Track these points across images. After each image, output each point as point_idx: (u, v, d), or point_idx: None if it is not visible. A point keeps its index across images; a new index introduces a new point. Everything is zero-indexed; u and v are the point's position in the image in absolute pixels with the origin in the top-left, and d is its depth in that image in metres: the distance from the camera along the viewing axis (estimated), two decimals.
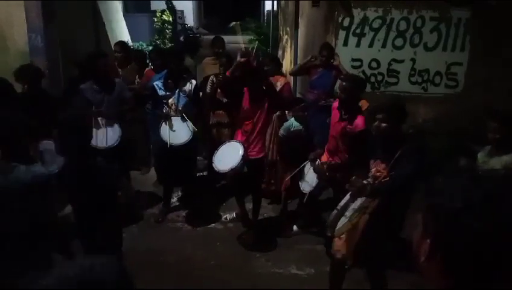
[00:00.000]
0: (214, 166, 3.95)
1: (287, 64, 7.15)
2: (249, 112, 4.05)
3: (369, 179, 2.93)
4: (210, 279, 3.54)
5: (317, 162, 3.77)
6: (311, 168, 3.84)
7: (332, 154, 3.81)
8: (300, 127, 4.33)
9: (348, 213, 2.96)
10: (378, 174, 2.93)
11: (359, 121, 3.58)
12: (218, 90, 4.60)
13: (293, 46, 6.56)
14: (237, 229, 4.37)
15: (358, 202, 2.96)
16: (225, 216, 4.55)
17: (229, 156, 3.91)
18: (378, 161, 3.03)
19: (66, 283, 0.83)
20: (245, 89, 4.11)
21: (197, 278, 3.56)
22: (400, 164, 2.85)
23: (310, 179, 3.83)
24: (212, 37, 5.93)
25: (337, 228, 2.94)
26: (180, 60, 4.49)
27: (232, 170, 3.83)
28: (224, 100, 4.67)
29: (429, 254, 0.95)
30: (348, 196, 2.99)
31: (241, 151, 3.85)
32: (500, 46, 5.38)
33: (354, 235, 2.93)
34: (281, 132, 4.45)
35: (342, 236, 2.97)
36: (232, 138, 4.40)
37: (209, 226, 4.44)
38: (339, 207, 2.98)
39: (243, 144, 3.94)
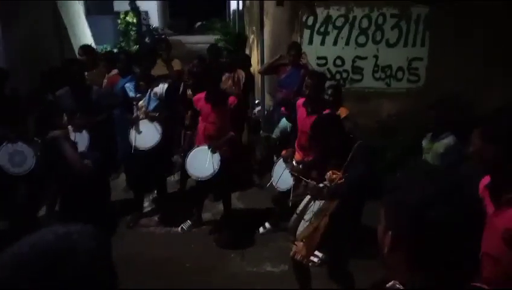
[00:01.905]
0: (189, 173, 3.97)
1: (254, 64, 7.19)
2: (210, 114, 4.09)
3: (325, 182, 3.01)
4: (186, 281, 3.54)
5: (293, 163, 3.82)
6: (287, 168, 3.89)
7: (304, 151, 3.88)
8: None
9: (307, 216, 3.04)
10: (334, 176, 3.01)
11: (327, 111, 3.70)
12: (189, 91, 4.63)
13: (259, 46, 6.60)
14: (206, 232, 4.38)
15: (317, 205, 3.04)
16: (181, 226, 4.43)
17: (202, 161, 3.94)
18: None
19: (39, 251, 0.79)
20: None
21: (173, 280, 3.55)
22: (353, 165, 2.96)
23: (285, 178, 3.89)
24: (177, 37, 5.93)
25: (298, 231, 3.01)
26: (151, 62, 4.47)
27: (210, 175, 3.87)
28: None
29: (391, 246, 1.01)
30: (306, 200, 3.06)
31: (218, 158, 3.92)
32: (458, 41, 5.60)
33: (314, 237, 2.99)
34: (276, 133, 4.49)
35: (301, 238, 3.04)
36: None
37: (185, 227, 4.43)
38: (298, 211, 3.05)
39: (214, 147, 3.99)
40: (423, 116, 3.84)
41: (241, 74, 5.17)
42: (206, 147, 4.03)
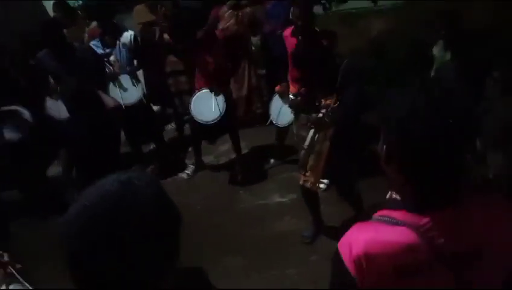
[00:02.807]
0: (196, 119, 3.94)
1: None
2: (202, 56, 3.99)
3: (322, 111, 3.01)
4: (199, 224, 3.65)
5: (290, 97, 3.80)
6: (285, 103, 3.87)
7: (298, 82, 3.84)
8: None
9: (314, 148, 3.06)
10: (328, 102, 3.01)
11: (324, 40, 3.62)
12: (166, 35, 4.47)
13: None
14: (214, 174, 4.45)
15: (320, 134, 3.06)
16: (185, 172, 4.46)
17: (206, 105, 3.90)
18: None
19: (108, 197, 0.80)
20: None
21: (186, 225, 3.64)
22: (345, 84, 2.95)
23: (284, 113, 3.88)
24: None
25: (308, 165, 3.06)
26: (112, 11, 4.27)
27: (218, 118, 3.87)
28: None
29: (385, 159, 1.06)
30: (310, 133, 3.07)
31: (222, 100, 3.88)
32: None
33: (319, 163, 3.04)
34: None
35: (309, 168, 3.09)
36: (190, 84, 4.39)
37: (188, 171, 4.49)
38: (305, 146, 3.07)
39: (216, 90, 3.92)
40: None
41: (248, 12, 4.91)
42: (208, 90, 3.97)
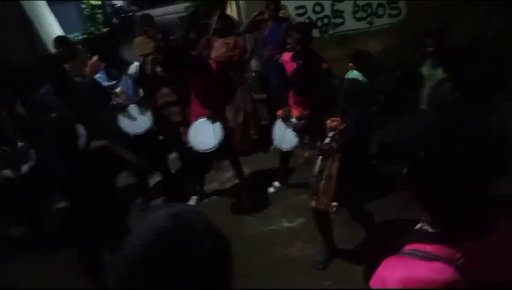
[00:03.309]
0: (195, 148, 3.94)
1: None
2: (198, 85, 4.02)
3: (329, 135, 3.00)
4: None
5: (293, 120, 3.80)
6: (289, 127, 3.87)
7: (300, 106, 3.85)
8: None
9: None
10: (334, 124, 3.01)
11: (323, 63, 3.67)
12: (159, 68, 4.52)
13: (234, 5, 6.42)
14: (219, 202, 4.41)
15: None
16: (190, 203, 4.35)
17: (205, 133, 3.90)
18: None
19: (165, 234, 0.80)
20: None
21: None
22: (348, 104, 2.94)
23: (288, 137, 3.87)
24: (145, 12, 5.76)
25: (319, 191, 3.03)
26: (116, 45, 4.34)
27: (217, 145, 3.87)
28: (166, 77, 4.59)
29: (405, 185, 1.06)
30: (319, 161, 3.06)
31: (219, 127, 3.89)
32: None
33: (330, 184, 3.01)
34: None
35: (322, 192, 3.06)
36: (183, 115, 4.47)
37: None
38: (315, 173, 3.05)
39: (213, 118, 3.94)
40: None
41: (236, 40, 4.98)
42: (205, 119, 3.97)
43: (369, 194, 3.46)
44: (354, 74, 3.72)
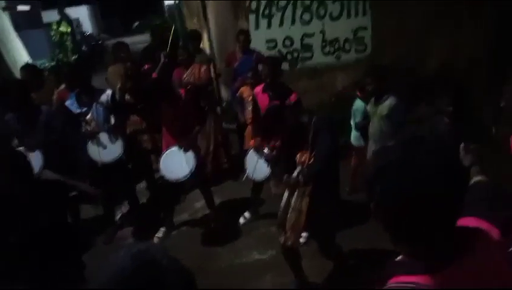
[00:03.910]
0: (166, 177, 3.89)
1: None
2: (168, 113, 4.03)
3: (298, 168, 3.05)
4: None
5: (265, 151, 3.83)
6: (260, 158, 3.89)
7: (272, 137, 3.89)
8: None
9: (291, 207, 3.06)
10: (303, 159, 3.05)
11: (293, 95, 3.73)
12: (127, 96, 4.50)
13: (205, 37, 6.53)
14: (190, 233, 4.33)
15: (296, 193, 3.06)
16: (155, 236, 4.26)
17: (176, 162, 3.87)
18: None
19: (120, 275, 0.78)
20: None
21: None
22: (318, 140, 3.01)
23: (260, 168, 3.90)
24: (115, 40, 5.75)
25: (287, 225, 3.03)
26: (88, 71, 4.30)
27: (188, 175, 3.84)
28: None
29: (373, 217, 1.05)
30: (286, 194, 3.08)
31: (191, 156, 3.87)
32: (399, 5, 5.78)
33: (300, 221, 3.02)
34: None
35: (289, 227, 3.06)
36: (153, 142, 4.47)
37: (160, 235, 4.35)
38: (281, 207, 3.07)
39: (185, 147, 3.92)
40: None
41: (203, 66, 5.05)
42: (177, 148, 3.95)
43: (340, 223, 3.48)
44: (359, 102, 4.03)
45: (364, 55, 6.10)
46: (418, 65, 5.66)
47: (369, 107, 3.97)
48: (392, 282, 1.04)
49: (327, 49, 6.03)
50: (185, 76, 4.96)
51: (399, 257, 1.10)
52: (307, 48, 5.97)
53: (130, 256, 0.80)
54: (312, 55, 6.01)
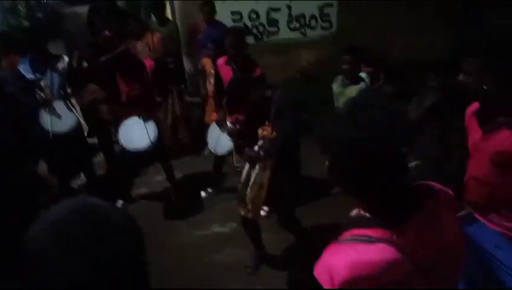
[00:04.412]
0: (125, 147, 3.76)
1: None
2: (130, 83, 3.89)
3: (259, 143, 3.03)
4: None
5: (227, 125, 3.78)
6: (222, 131, 3.84)
7: (235, 111, 3.85)
8: None
9: (251, 180, 3.05)
10: (264, 133, 3.04)
11: (257, 69, 3.68)
12: (85, 63, 4.31)
13: (170, 7, 6.30)
14: (149, 207, 4.26)
15: (258, 166, 3.06)
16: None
17: (136, 132, 3.75)
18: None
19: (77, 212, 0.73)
20: None
21: None
22: (279, 115, 3.00)
23: (222, 142, 3.84)
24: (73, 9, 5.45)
25: (247, 197, 3.02)
26: (43, 37, 4.08)
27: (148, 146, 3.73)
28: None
29: (329, 176, 1.13)
30: (246, 167, 3.07)
31: (153, 126, 3.77)
32: None
33: (260, 194, 3.02)
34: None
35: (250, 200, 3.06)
36: (112, 113, 4.27)
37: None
38: (242, 180, 3.06)
39: (146, 116, 3.81)
40: (338, 61, 3.93)
41: (158, 36, 4.89)
42: (138, 118, 3.82)
43: (300, 198, 3.53)
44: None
45: (330, 33, 6.10)
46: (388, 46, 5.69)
47: (335, 87, 3.94)
48: (347, 235, 1.06)
49: (293, 24, 5.97)
50: (139, 48, 4.79)
51: (354, 212, 1.12)
52: (273, 22, 5.88)
53: (71, 202, 0.76)
54: (278, 30, 5.94)
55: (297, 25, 5.98)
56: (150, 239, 3.02)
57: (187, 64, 5.90)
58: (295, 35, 6.02)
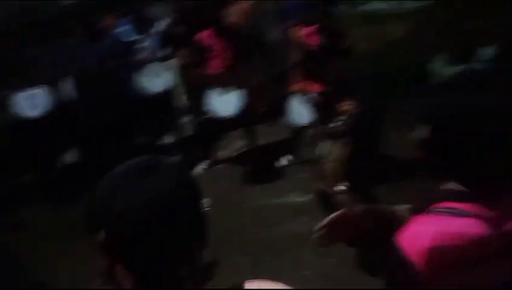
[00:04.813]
0: (213, 112, 3.98)
1: None
2: (221, 50, 4.06)
3: (341, 117, 2.98)
4: (214, 218, 3.61)
5: (309, 96, 3.77)
6: (304, 102, 3.84)
7: (318, 82, 3.81)
8: None
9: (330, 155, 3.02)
10: (346, 108, 2.98)
11: (345, 40, 3.60)
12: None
13: None
14: (229, 170, 4.43)
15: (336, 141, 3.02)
16: (201, 166, 4.43)
17: (225, 98, 3.98)
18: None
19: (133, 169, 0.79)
20: None
21: None
22: (363, 93, 2.92)
23: (304, 112, 3.85)
24: None
25: (325, 172, 3.02)
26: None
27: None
28: None
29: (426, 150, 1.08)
30: (325, 141, 3.04)
31: (238, 94, 3.99)
32: None
33: (338, 167, 3.00)
34: None
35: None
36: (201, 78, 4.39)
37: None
38: (322, 155, 3.05)
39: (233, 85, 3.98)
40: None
41: (249, 3, 4.86)
42: (225, 85, 3.98)
43: (379, 178, 3.44)
44: None
45: (426, 4, 5.70)
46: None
47: (437, 67, 3.69)
48: (438, 207, 1.05)
49: None
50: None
51: (448, 185, 1.09)
52: None
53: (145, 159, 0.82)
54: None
55: None
56: (226, 200, 3.19)
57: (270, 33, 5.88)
58: (387, 5, 5.71)
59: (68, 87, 4.05)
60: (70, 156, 4.44)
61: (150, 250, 0.74)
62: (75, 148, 4.39)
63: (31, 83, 3.91)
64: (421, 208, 1.09)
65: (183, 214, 0.77)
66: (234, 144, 4.80)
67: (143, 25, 4.13)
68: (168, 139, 4.91)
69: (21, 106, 3.84)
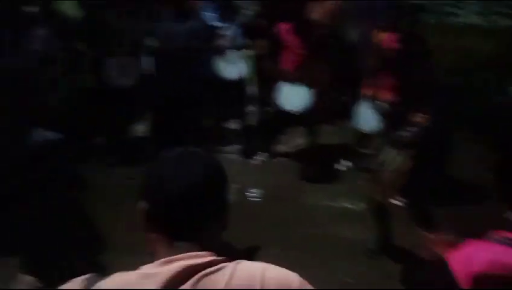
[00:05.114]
0: (281, 106, 4.02)
1: None
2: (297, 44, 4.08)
3: (410, 129, 2.88)
4: (261, 208, 3.72)
5: (379, 103, 3.68)
6: (372, 108, 3.76)
7: (391, 90, 3.70)
8: None
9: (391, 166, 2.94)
10: (419, 119, 2.86)
11: (428, 51, 3.47)
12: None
13: None
14: (286, 164, 4.46)
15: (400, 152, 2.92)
16: (259, 157, 4.50)
17: (294, 94, 4.00)
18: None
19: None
20: None
21: (248, 207, 3.70)
22: (438, 109, 2.80)
23: (369, 118, 3.78)
24: None
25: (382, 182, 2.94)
26: None
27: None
28: None
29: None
30: (388, 150, 2.96)
31: (309, 91, 4.01)
32: None
33: (397, 179, 2.92)
34: None
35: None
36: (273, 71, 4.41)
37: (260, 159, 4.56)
38: (382, 164, 2.97)
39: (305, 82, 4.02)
40: None
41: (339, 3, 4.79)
42: (296, 82, 4.00)
43: (441, 199, 3.29)
44: None
45: None
46: None
47: None
48: (494, 235, 1.05)
49: (479, 7, 5.35)
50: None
51: (509, 214, 1.08)
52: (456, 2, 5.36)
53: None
54: (459, 12, 5.39)
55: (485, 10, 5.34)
56: (278, 193, 3.20)
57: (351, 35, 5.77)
58: (482, 21, 5.38)
59: (150, 61, 4.27)
60: (141, 127, 4.69)
61: (182, 224, 0.89)
62: (146, 120, 4.62)
63: (121, 52, 4.17)
64: (476, 233, 1.08)
65: (212, 197, 0.92)
66: (295, 140, 4.81)
67: (228, 13, 4.27)
68: (233, 126, 5.03)
69: (111, 71, 4.10)
